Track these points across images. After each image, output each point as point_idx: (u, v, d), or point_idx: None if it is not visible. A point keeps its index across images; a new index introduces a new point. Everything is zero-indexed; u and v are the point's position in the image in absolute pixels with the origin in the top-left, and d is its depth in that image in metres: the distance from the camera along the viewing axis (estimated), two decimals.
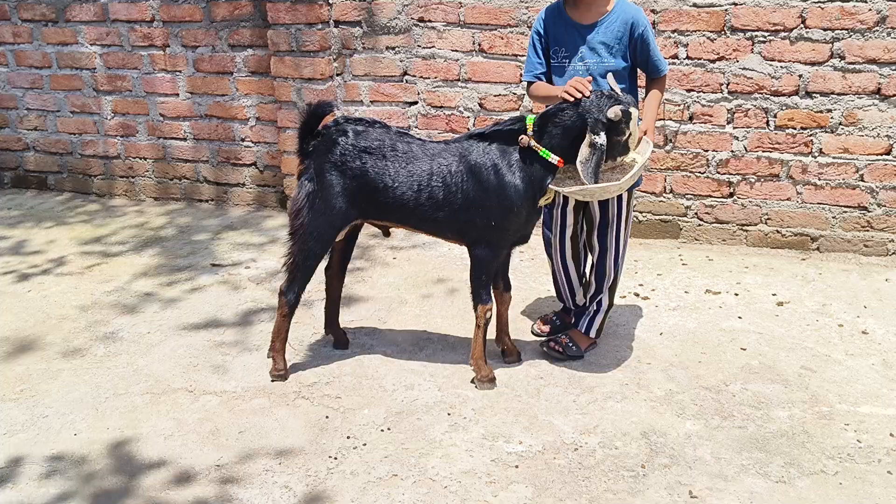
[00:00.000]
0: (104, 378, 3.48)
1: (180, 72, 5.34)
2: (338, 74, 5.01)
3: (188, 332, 3.87)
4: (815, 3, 4.15)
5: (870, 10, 4.08)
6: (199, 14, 5.15)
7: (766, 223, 4.57)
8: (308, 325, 3.89)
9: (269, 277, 4.43)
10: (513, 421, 3.11)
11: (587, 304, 3.63)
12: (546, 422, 3.10)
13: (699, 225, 4.68)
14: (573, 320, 3.68)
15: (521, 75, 4.69)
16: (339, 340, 3.66)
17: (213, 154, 5.50)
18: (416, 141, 3.28)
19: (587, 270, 3.71)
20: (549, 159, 3.10)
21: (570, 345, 3.56)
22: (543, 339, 3.67)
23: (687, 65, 4.39)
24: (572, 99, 3.03)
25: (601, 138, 2.99)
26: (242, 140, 5.39)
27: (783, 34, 4.24)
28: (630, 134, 3.05)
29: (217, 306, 4.12)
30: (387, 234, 3.58)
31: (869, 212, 4.39)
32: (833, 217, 4.45)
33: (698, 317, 3.92)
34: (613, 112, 2.97)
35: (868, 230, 4.42)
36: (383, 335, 3.80)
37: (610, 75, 3.19)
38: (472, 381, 3.36)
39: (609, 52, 3.27)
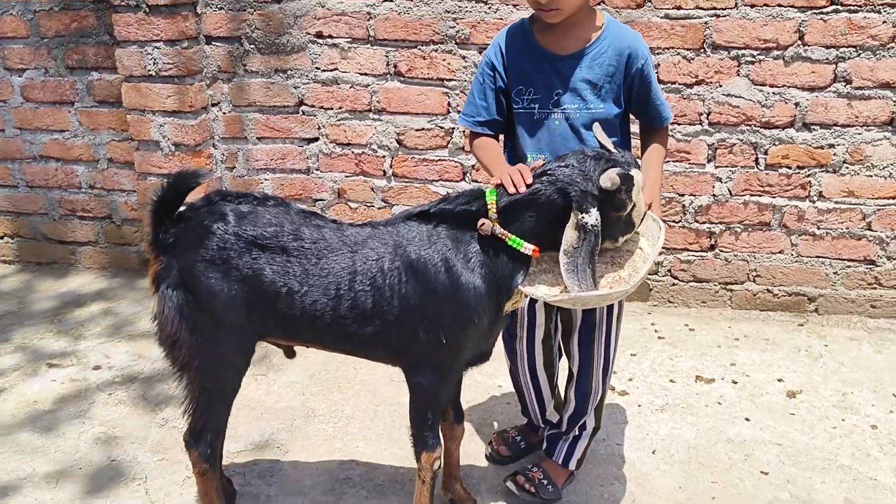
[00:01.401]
0: None
1: (4, 102, 4.12)
2: (213, 105, 3.90)
3: None
4: (816, 14, 3.32)
5: (884, 22, 3.29)
6: (25, 28, 3.95)
7: (754, 281, 3.74)
8: (180, 463, 2.81)
9: (127, 384, 3.31)
10: None
11: (564, 425, 2.70)
12: None
13: (674, 284, 3.82)
14: (545, 446, 2.74)
15: (448, 105, 3.71)
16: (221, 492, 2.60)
17: (53, 205, 4.30)
18: (329, 225, 2.26)
19: (563, 383, 2.77)
20: (521, 250, 2.14)
21: (545, 482, 2.62)
22: (505, 468, 2.73)
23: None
24: (512, 190, 2.12)
25: (592, 217, 2.05)
26: (91, 187, 4.21)
27: (776, 53, 3.40)
28: (634, 206, 2.12)
29: (49, 438, 2.97)
30: (291, 355, 2.54)
31: (877, 266, 3.62)
32: (835, 273, 3.66)
33: (695, 420, 3.05)
34: (608, 179, 2.02)
35: (876, 288, 3.65)
36: (284, 477, 2.76)
37: (597, 126, 2.25)
38: None
39: (596, 95, 2.33)
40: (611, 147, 2.16)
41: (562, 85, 2.34)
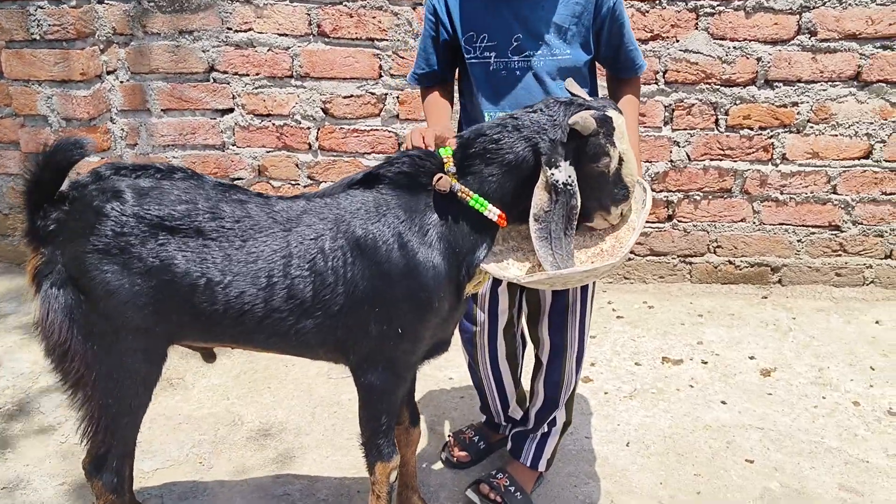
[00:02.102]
0: None
1: None
2: (109, 73, 3.41)
3: None
4: None
5: None
6: None
7: (715, 252, 3.49)
8: (85, 488, 2.37)
9: (19, 395, 2.83)
10: None
11: (531, 422, 2.37)
12: None
13: (629, 259, 3.54)
14: (510, 446, 2.41)
15: (380, 68, 3.33)
16: None
17: None
18: (255, 199, 1.85)
19: (527, 374, 2.44)
20: (485, 213, 1.79)
21: (513, 489, 2.29)
22: (466, 473, 2.39)
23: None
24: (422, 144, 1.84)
25: (564, 172, 1.73)
26: None
27: (737, 3, 3.13)
28: (622, 161, 1.78)
29: None
30: (210, 358, 2.11)
31: (842, 231, 3.41)
32: (798, 241, 3.44)
33: (668, 406, 2.77)
34: (580, 118, 1.71)
35: (841, 255, 3.44)
36: (210, 497, 2.35)
37: (571, 80, 1.91)
38: None
39: (562, 39, 2.00)
40: (586, 96, 1.83)
41: (521, 28, 2.01)
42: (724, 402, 2.80)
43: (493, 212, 1.78)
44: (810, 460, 2.51)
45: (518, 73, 2.03)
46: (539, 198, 1.74)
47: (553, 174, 1.72)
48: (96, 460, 1.89)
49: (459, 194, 1.77)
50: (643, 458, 2.53)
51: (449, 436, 2.58)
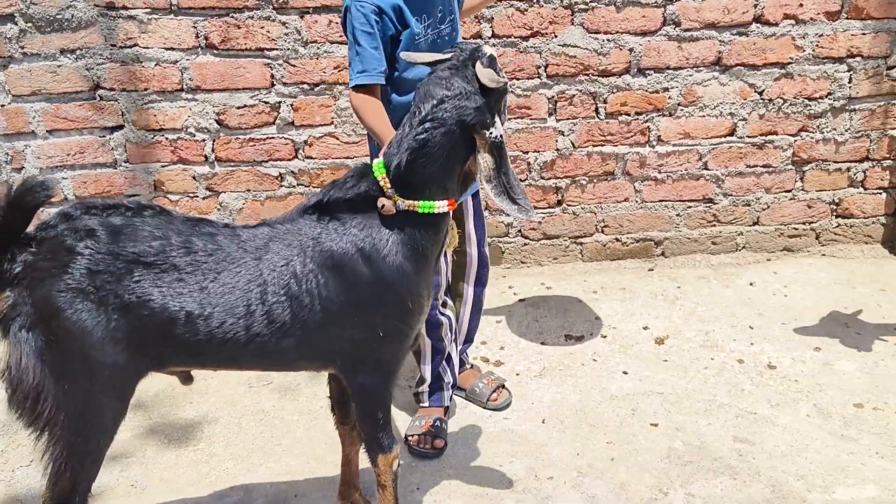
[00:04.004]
0: None
1: None
2: None
3: None
4: None
5: None
6: None
7: (603, 232, 3.73)
8: None
9: None
10: None
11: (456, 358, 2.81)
12: None
13: (525, 244, 3.73)
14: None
15: (272, 77, 3.36)
16: None
17: None
18: (223, 231, 1.92)
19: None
20: (435, 211, 1.93)
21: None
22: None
23: (493, 45, 3.35)
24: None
25: (498, 127, 1.90)
26: None
27: None
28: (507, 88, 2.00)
29: None
30: (188, 381, 2.12)
31: (715, 203, 3.71)
32: (677, 215, 3.72)
33: (576, 381, 2.97)
34: (489, 78, 1.88)
35: (715, 225, 3.75)
36: None
37: (407, 53, 2.20)
38: None
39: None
40: (441, 57, 1.99)
41: (444, 3, 2.36)
42: (625, 373, 3.03)
43: (441, 206, 1.93)
44: (706, 418, 2.77)
45: (447, 39, 2.35)
46: (484, 161, 1.91)
47: (491, 133, 1.88)
48: (59, 499, 1.89)
49: (408, 209, 1.90)
50: (559, 433, 2.72)
51: (418, 434, 2.64)
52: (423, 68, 2.06)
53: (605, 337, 3.25)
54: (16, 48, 3.24)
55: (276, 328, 1.87)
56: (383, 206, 1.88)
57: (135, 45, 3.28)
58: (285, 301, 1.87)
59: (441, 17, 2.34)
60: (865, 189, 3.72)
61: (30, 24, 3.21)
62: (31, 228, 1.80)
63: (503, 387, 2.86)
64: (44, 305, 1.75)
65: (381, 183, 1.90)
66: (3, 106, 3.32)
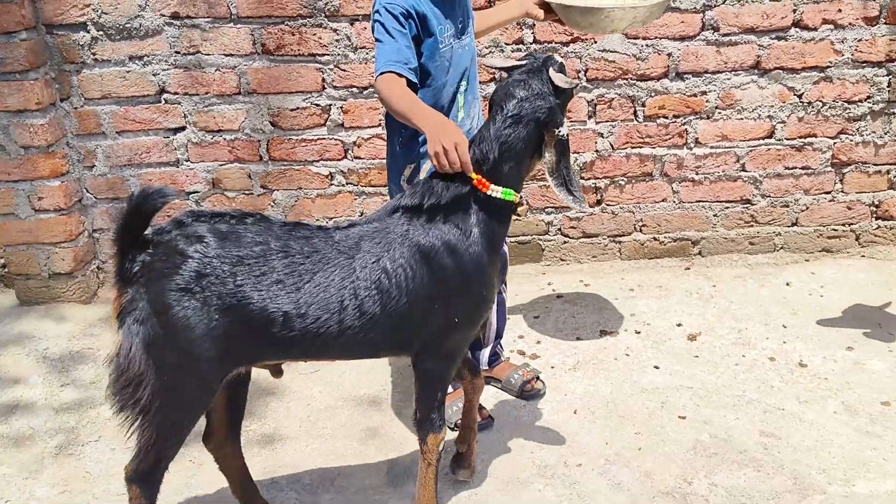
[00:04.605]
0: None
1: None
2: (63, 100, 3.55)
3: None
4: None
5: None
6: None
7: (641, 231, 3.83)
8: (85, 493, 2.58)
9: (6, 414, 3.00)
10: None
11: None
12: None
13: (565, 242, 3.85)
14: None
15: (322, 81, 3.54)
16: None
17: None
18: (318, 234, 2.12)
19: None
20: (514, 200, 2.22)
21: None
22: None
23: (535, 49, 3.48)
24: (447, 170, 2.11)
25: (565, 126, 2.19)
26: None
27: None
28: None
29: None
30: (278, 374, 2.31)
31: (753, 205, 3.77)
32: (714, 215, 3.79)
33: (608, 375, 3.09)
34: (565, 82, 2.19)
35: (752, 225, 3.81)
36: (205, 488, 2.59)
37: (491, 57, 2.42)
38: None
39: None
40: (516, 63, 2.26)
41: (462, 11, 2.49)
42: (656, 367, 3.13)
43: (516, 196, 2.20)
44: (734, 412, 2.86)
45: (466, 48, 2.51)
46: (550, 156, 2.18)
47: (559, 131, 2.15)
48: (142, 474, 2.10)
49: (493, 194, 2.15)
50: (590, 423, 2.85)
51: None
52: (441, 82, 2.42)
53: (638, 333, 3.36)
54: (88, 54, 3.49)
55: (367, 321, 2.08)
56: (483, 183, 2.13)
57: (197, 51, 3.50)
58: (376, 295, 2.07)
59: (462, 27, 2.49)
60: None
61: (101, 33, 3.46)
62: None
63: (538, 378, 3.00)
64: (156, 302, 1.95)
65: (476, 182, 2.13)
66: (76, 108, 3.58)
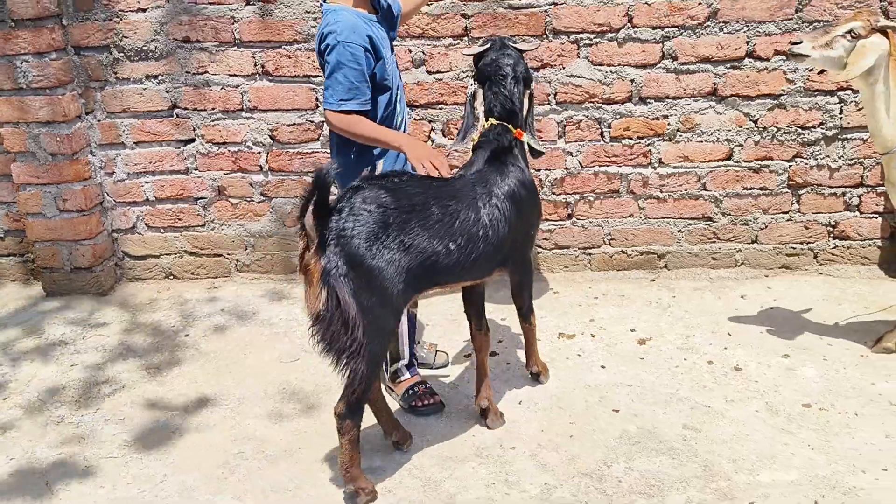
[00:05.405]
0: None
1: None
2: (88, 113, 4.01)
3: None
4: None
5: (699, 3, 3.68)
6: None
7: (609, 244, 4.11)
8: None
9: (21, 389, 3.42)
10: None
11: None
12: None
13: (538, 252, 4.15)
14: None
15: (316, 100, 3.92)
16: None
17: None
18: (449, 182, 2.77)
19: None
20: (531, 144, 2.99)
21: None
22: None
23: None
24: (435, 174, 2.74)
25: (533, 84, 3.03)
26: None
27: (610, 35, 3.75)
28: None
29: None
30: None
31: (714, 222, 4.03)
32: (678, 231, 4.06)
33: (558, 373, 3.37)
34: (526, 46, 3.10)
35: (714, 241, 4.06)
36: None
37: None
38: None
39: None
40: (480, 49, 3.00)
41: (390, 41, 2.93)
42: (603, 367, 3.39)
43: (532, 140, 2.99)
44: (664, 408, 3.11)
45: (399, 87, 2.97)
46: (526, 106, 2.95)
47: (532, 87, 2.98)
48: (352, 406, 2.57)
49: (525, 139, 2.94)
50: (531, 413, 3.13)
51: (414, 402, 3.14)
52: (393, 94, 2.92)
53: (594, 336, 3.63)
54: (110, 73, 3.94)
55: (490, 245, 2.73)
56: (521, 135, 2.92)
57: (205, 72, 3.92)
58: (492, 226, 2.72)
59: (392, 39, 2.95)
60: (861, 213, 3.95)
61: (121, 54, 3.90)
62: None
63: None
64: (351, 256, 2.43)
65: (516, 134, 2.88)
66: (99, 121, 4.02)
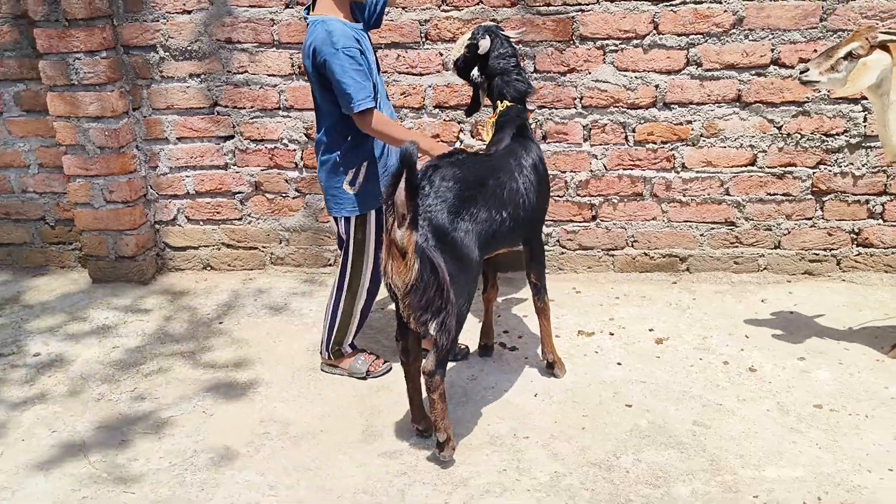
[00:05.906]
0: None
1: None
2: (134, 109, 4.21)
3: None
4: (667, 6, 3.77)
5: (725, 11, 3.75)
6: None
7: (632, 246, 4.19)
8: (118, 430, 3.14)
9: (65, 367, 3.62)
10: None
11: None
12: None
13: (562, 253, 4.25)
14: None
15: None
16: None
17: None
18: (492, 157, 3.08)
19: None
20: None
21: None
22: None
23: (535, 79, 3.92)
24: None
25: None
26: (24, 191, 4.49)
27: (635, 42, 3.84)
28: None
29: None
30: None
31: (737, 227, 4.09)
32: (701, 235, 4.12)
33: (575, 368, 3.46)
34: (514, 33, 3.32)
35: (737, 246, 4.12)
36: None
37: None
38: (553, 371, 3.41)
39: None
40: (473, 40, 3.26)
41: (373, 49, 3.15)
42: (619, 364, 3.48)
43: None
44: (676, 404, 3.19)
45: (381, 77, 3.20)
46: None
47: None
48: (440, 363, 2.81)
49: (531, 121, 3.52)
50: (545, 405, 3.23)
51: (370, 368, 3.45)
52: (380, 90, 3.20)
53: (612, 334, 3.71)
54: (156, 72, 4.14)
55: (527, 213, 3.07)
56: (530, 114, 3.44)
57: (245, 71, 4.09)
58: (527, 194, 3.05)
59: (377, 65, 3.17)
60: (885, 221, 3.98)
61: (167, 54, 4.10)
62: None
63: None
64: (438, 228, 2.71)
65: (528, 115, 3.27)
66: (145, 117, 4.22)
